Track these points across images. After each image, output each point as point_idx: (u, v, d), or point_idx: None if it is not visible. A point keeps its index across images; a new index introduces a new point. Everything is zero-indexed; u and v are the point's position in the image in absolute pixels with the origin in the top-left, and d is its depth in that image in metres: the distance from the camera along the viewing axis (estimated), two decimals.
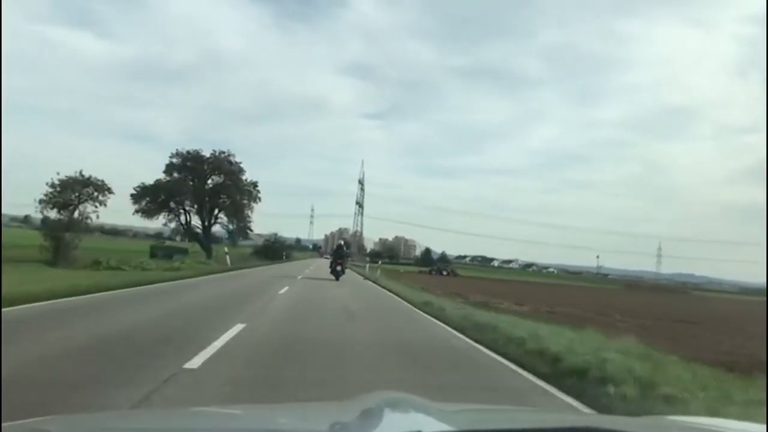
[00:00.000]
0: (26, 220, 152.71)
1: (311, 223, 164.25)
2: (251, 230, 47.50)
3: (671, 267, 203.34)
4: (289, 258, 64.93)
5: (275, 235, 62.77)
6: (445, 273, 74.94)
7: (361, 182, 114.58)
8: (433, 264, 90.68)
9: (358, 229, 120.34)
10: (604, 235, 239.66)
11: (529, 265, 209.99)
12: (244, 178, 44.39)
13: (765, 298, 44.48)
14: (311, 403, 3.54)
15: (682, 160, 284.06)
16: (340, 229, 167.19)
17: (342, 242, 28.54)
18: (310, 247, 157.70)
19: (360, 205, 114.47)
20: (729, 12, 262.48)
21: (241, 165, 44.32)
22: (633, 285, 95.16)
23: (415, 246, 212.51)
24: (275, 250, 57.72)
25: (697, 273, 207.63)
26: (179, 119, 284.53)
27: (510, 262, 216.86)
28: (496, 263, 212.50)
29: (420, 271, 74.10)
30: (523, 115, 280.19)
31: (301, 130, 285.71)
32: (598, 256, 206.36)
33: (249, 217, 45.13)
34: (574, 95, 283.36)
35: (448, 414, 1.59)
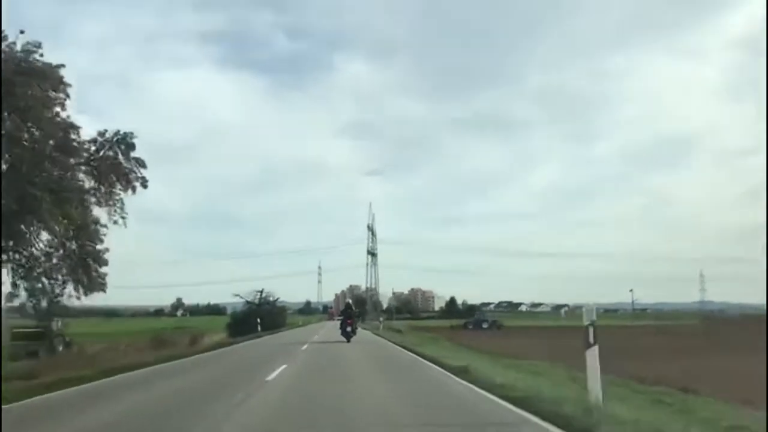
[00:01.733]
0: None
1: (319, 282, 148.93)
2: (99, 251, 20.41)
3: (689, 295, 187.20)
4: (273, 327, 40.16)
5: (260, 294, 42.90)
6: (486, 326, 59.58)
7: (370, 228, 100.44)
8: (468, 316, 74.93)
9: (372, 283, 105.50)
10: (624, 270, 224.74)
11: (560, 307, 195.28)
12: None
13: None
14: None
15: (686, 188, 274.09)
16: (350, 286, 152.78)
17: (350, 302, 28.86)
18: (321, 309, 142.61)
19: (372, 254, 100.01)
20: (715, 39, 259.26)
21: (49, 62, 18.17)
22: (709, 318, 79.66)
23: (433, 298, 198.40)
24: (265, 316, 38.91)
25: (716, 300, 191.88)
26: (185, 195, 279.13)
27: (539, 305, 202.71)
28: (524, 308, 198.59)
29: (452, 326, 58.68)
30: (522, 159, 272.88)
31: (304, 194, 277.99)
32: (631, 290, 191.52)
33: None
34: (570, 135, 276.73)
35: None
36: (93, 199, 19.92)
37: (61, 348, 20.96)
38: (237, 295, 42.79)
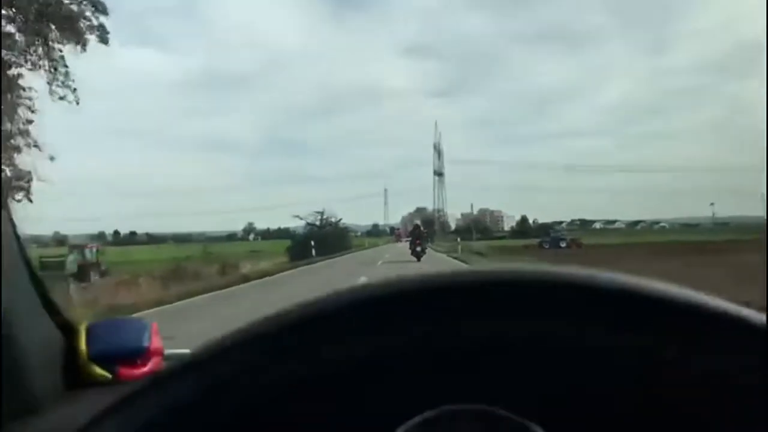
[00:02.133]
0: (101, 237, 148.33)
1: (385, 204, 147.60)
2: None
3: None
4: (335, 250, 35.61)
5: (321, 215, 39.65)
6: (564, 245, 55.57)
7: (437, 147, 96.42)
8: (541, 235, 70.62)
9: (440, 204, 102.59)
10: (701, 183, 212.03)
11: (635, 223, 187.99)
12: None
13: None
14: None
15: (763, 97, 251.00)
16: (417, 208, 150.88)
17: (418, 222, 29.84)
18: (388, 231, 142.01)
19: (439, 174, 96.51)
20: None
21: None
22: None
23: (501, 217, 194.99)
24: (326, 238, 36.33)
25: None
26: (254, 122, 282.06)
27: (613, 222, 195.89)
28: (597, 225, 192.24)
29: (525, 246, 55.15)
30: (593, 73, 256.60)
31: (369, 116, 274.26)
32: (712, 204, 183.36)
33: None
34: (642, 46, 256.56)
35: None
36: (14, 57, 12.95)
37: (97, 277, 19.24)
38: (296, 216, 40.24)
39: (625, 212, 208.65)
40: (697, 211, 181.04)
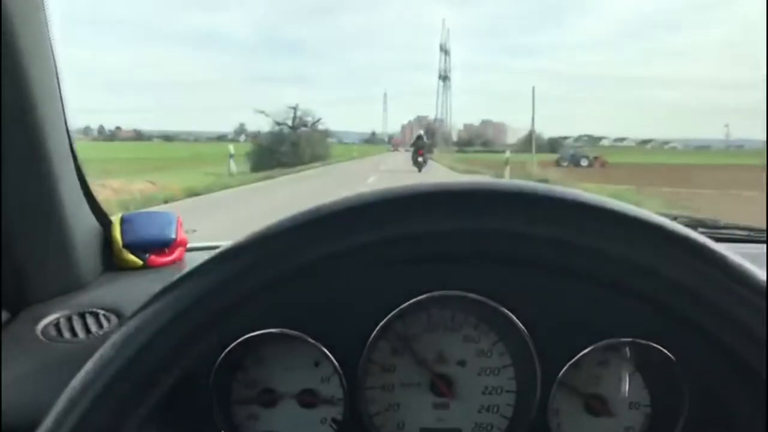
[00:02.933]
0: (86, 131, 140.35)
1: (384, 110, 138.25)
2: None
3: None
4: (307, 161, 27.56)
5: (294, 111, 30.78)
6: (586, 163, 48.05)
7: (443, 48, 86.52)
8: (550, 150, 63.19)
9: (443, 113, 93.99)
10: (716, 102, 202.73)
11: (645, 142, 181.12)
12: None
13: None
14: None
15: None
16: (418, 117, 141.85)
17: (421, 132, 27.15)
18: (386, 140, 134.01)
19: (444, 78, 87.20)
20: None
21: None
22: None
23: (505, 130, 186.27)
24: (297, 145, 28.55)
25: None
26: (251, 19, 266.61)
27: (623, 139, 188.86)
28: (605, 142, 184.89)
29: (540, 163, 47.35)
30: None
31: (371, 18, 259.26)
32: (727, 125, 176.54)
33: None
34: None
35: None
36: None
37: None
38: (261, 112, 31.26)
39: (633, 130, 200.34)
40: (709, 132, 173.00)
